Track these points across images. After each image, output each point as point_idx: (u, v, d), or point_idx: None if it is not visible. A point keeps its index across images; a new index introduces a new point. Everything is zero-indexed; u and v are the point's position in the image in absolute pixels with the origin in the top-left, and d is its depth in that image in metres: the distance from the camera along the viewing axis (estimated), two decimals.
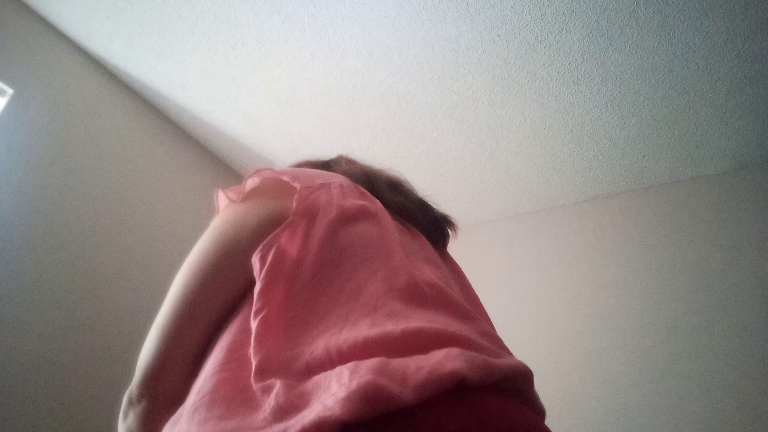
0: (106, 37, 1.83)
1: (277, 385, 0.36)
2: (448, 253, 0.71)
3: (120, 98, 2.02)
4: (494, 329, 0.52)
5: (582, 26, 1.53)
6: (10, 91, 1.65)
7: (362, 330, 0.40)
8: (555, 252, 2.22)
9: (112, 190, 1.88)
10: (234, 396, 0.39)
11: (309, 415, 0.32)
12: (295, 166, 0.82)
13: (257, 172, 0.56)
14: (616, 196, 2.20)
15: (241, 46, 1.77)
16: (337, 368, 0.36)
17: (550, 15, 1.51)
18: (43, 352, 1.53)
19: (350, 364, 0.35)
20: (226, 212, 0.56)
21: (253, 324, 0.42)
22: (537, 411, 0.45)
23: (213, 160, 2.41)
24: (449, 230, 0.72)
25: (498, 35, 1.60)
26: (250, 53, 1.79)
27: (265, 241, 0.48)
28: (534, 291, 2.18)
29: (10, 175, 1.58)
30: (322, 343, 0.40)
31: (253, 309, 0.43)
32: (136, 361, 0.52)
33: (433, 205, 0.72)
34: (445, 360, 0.36)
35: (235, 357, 0.43)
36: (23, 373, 1.47)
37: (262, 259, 0.47)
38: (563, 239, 2.23)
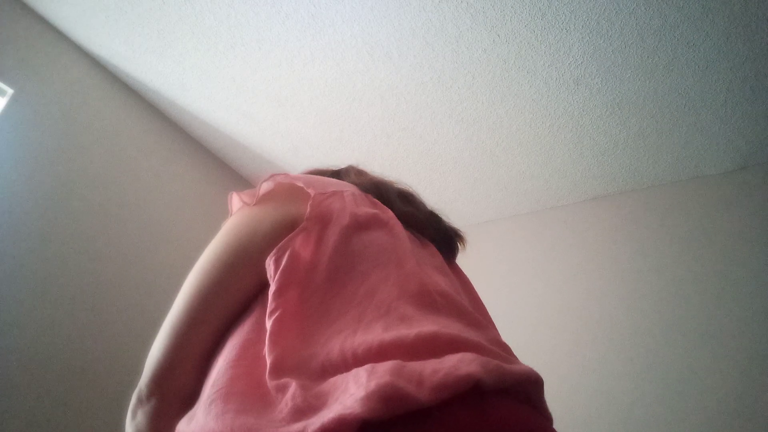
0: (106, 37, 1.83)
1: (293, 385, 0.37)
2: (456, 264, 0.72)
3: (120, 98, 2.02)
4: (501, 337, 0.53)
5: (582, 26, 1.53)
6: (10, 91, 1.65)
7: (377, 333, 0.41)
8: (555, 252, 2.22)
9: (111, 190, 1.88)
10: (248, 391, 0.40)
11: (329, 413, 0.33)
12: (305, 172, 0.83)
13: (271, 177, 0.57)
14: (616, 196, 2.20)
15: (241, 46, 1.77)
16: (354, 370, 0.37)
17: (550, 15, 1.51)
18: (43, 352, 1.53)
19: (367, 366, 0.36)
20: (240, 214, 0.57)
21: (268, 324, 0.43)
22: (545, 417, 0.46)
23: (213, 159, 2.41)
24: (458, 243, 0.73)
25: (498, 35, 1.60)
26: (250, 53, 1.79)
27: (279, 245, 0.49)
28: (533, 291, 2.18)
29: (10, 175, 1.58)
30: (336, 345, 0.41)
31: (268, 309, 0.44)
32: (139, 362, 0.52)
33: (444, 218, 0.73)
34: (460, 363, 0.37)
35: (249, 354, 0.44)
36: (24, 375, 1.47)
37: (277, 262, 0.47)
38: (563, 239, 2.23)
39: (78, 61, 1.89)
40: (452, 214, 2.82)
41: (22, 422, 1.42)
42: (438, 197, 2.39)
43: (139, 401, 0.52)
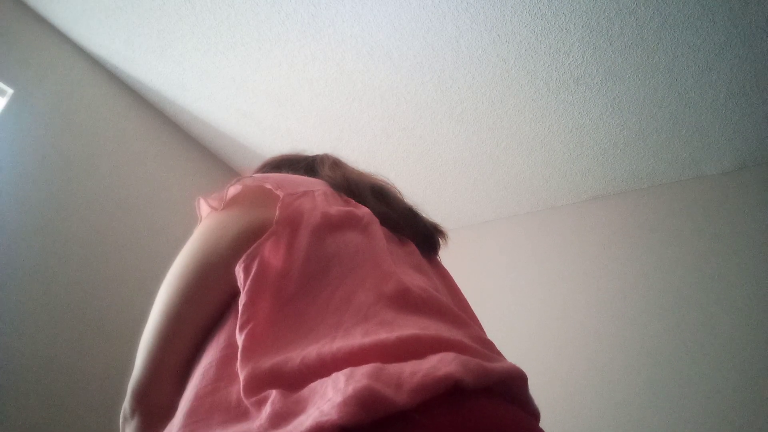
0: (106, 37, 1.83)
1: (273, 394, 0.36)
2: (438, 261, 0.71)
3: (120, 98, 2.02)
4: (485, 334, 0.52)
5: (582, 26, 1.53)
6: (10, 91, 1.65)
7: (356, 339, 0.40)
8: (555, 252, 2.22)
9: (111, 190, 1.88)
10: (229, 419, 0.38)
11: (306, 420, 0.32)
12: (277, 159, 0.79)
13: (239, 179, 0.55)
14: (616, 196, 2.20)
15: (241, 46, 1.77)
16: (333, 374, 0.36)
17: (550, 15, 1.51)
18: (42, 351, 1.53)
19: (346, 370, 0.36)
20: (206, 221, 0.55)
21: (240, 338, 0.42)
22: (532, 413, 0.45)
23: (213, 160, 2.41)
24: (439, 239, 0.70)
25: (498, 35, 1.60)
26: (250, 53, 1.79)
27: (248, 251, 0.47)
28: (533, 291, 2.18)
29: (10, 175, 1.58)
30: (314, 351, 0.40)
31: (239, 322, 0.43)
32: (135, 361, 0.52)
33: (422, 214, 0.70)
34: (439, 364, 0.36)
35: (226, 374, 0.42)
36: (20, 373, 1.46)
37: (246, 270, 0.46)
38: (563, 239, 2.23)
39: (78, 61, 1.89)
40: (452, 214, 2.81)
41: (17, 423, 1.42)
42: (438, 197, 2.39)
43: (125, 418, 0.51)
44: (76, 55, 1.89)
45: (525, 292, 2.19)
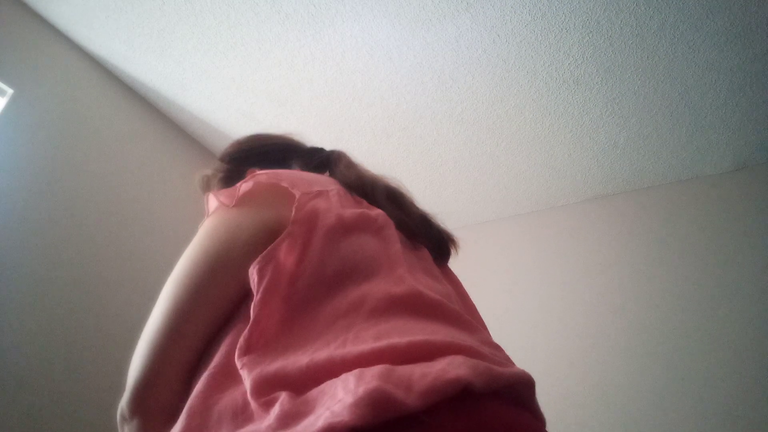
0: (106, 37, 1.83)
1: (282, 395, 0.36)
2: (448, 267, 0.71)
3: (120, 98, 2.02)
4: (492, 339, 0.52)
5: (582, 26, 1.53)
6: (10, 91, 1.65)
7: (367, 343, 0.40)
8: (555, 252, 2.22)
9: (111, 189, 1.88)
10: (237, 423, 0.38)
11: (317, 421, 0.32)
12: (279, 144, 0.79)
13: (252, 176, 0.54)
14: (616, 196, 2.20)
15: (241, 45, 1.77)
16: (342, 375, 0.36)
17: (550, 15, 1.51)
18: (42, 350, 1.53)
19: (355, 371, 0.36)
20: (217, 217, 0.53)
21: (250, 341, 0.42)
22: (538, 419, 0.45)
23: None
24: (451, 248, 0.70)
25: (498, 35, 1.60)
26: (250, 53, 1.79)
27: (264, 253, 0.46)
28: (533, 291, 2.18)
29: (9, 175, 1.58)
30: (323, 354, 0.40)
31: (250, 325, 0.42)
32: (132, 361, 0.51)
33: (436, 221, 0.70)
34: (449, 367, 0.36)
35: (233, 377, 0.42)
36: (20, 373, 1.47)
37: (261, 272, 0.45)
38: (563, 239, 2.23)
39: (78, 61, 1.89)
40: (452, 214, 2.81)
41: (17, 423, 1.42)
42: (438, 197, 2.39)
43: (123, 419, 0.49)
44: (76, 55, 1.89)
45: (525, 292, 2.19)
